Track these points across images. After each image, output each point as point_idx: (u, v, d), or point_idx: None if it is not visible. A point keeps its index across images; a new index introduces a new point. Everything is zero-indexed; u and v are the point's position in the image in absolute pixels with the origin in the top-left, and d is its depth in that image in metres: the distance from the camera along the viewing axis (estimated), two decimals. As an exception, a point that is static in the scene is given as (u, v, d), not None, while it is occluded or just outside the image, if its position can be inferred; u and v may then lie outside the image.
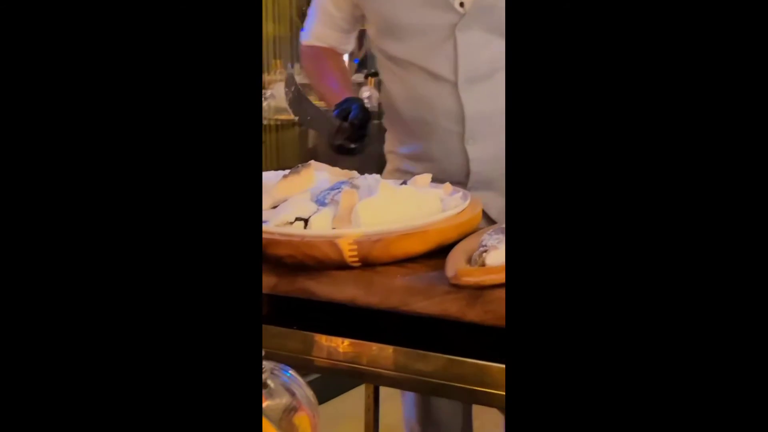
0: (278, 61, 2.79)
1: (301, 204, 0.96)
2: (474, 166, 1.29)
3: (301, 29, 1.49)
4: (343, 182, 1.03)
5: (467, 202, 1.03)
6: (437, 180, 1.21)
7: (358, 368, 0.91)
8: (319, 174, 1.08)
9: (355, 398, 1.84)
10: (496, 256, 0.83)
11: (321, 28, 1.42)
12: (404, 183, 1.08)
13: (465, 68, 1.24)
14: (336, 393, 2.41)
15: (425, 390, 1.06)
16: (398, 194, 0.98)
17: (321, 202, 0.98)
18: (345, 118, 1.21)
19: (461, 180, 1.29)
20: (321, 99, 1.44)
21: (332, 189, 1.00)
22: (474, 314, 0.81)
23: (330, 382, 2.31)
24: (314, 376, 1.99)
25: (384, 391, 1.45)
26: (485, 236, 0.89)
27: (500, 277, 0.81)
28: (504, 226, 0.91)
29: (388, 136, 1.43)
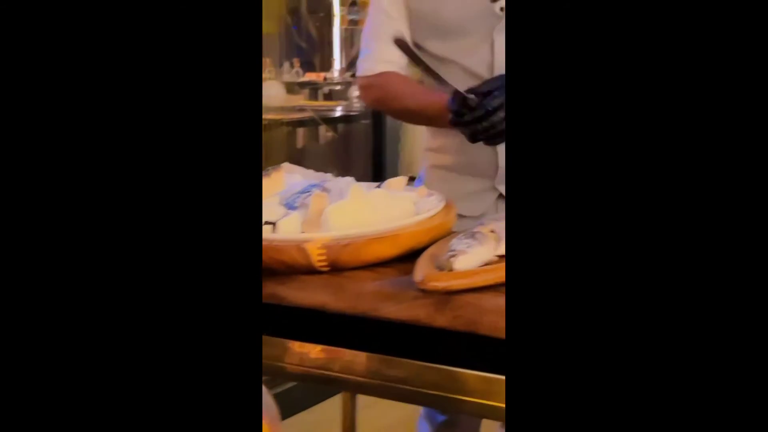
0: (267, 60, 2.77)
1: (270, 208, 0.94)
2: (502, 161, 1.31)
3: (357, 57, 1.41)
4: (313, 185, 1.02)
5: (441, 205, 1.02)
6: (468, 174, 1.24)
7: (330, 375, 0.89)
8: (291, 177, 1.06)
9: (334, 407, 1.82)
10: (464, 260, 0.82)
11: (384, 50, 1.34)
12: (378, 186, 1.07)
13: (499, 68, 1.27)
14: (314, 401, 2.38)
15: (398, 397, 1.05)
16: (369, 198, 0.97)
17: (290, 206, 0.96)
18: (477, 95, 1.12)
19: (490, 174, 1.32)
20: (414, 114, 1.38)
21: (302, 192, 0.99)
22: (443, 320, 0.80)
23: (308, 390, 2.29)
24: (291, 384, 1.96)
25: (362, 400, 1.43)
26: (454, 241, 0.88)
27: (468, 282, 0.80)
28: (474, 230, 0.90)
29: (425, 134, 1.46)
